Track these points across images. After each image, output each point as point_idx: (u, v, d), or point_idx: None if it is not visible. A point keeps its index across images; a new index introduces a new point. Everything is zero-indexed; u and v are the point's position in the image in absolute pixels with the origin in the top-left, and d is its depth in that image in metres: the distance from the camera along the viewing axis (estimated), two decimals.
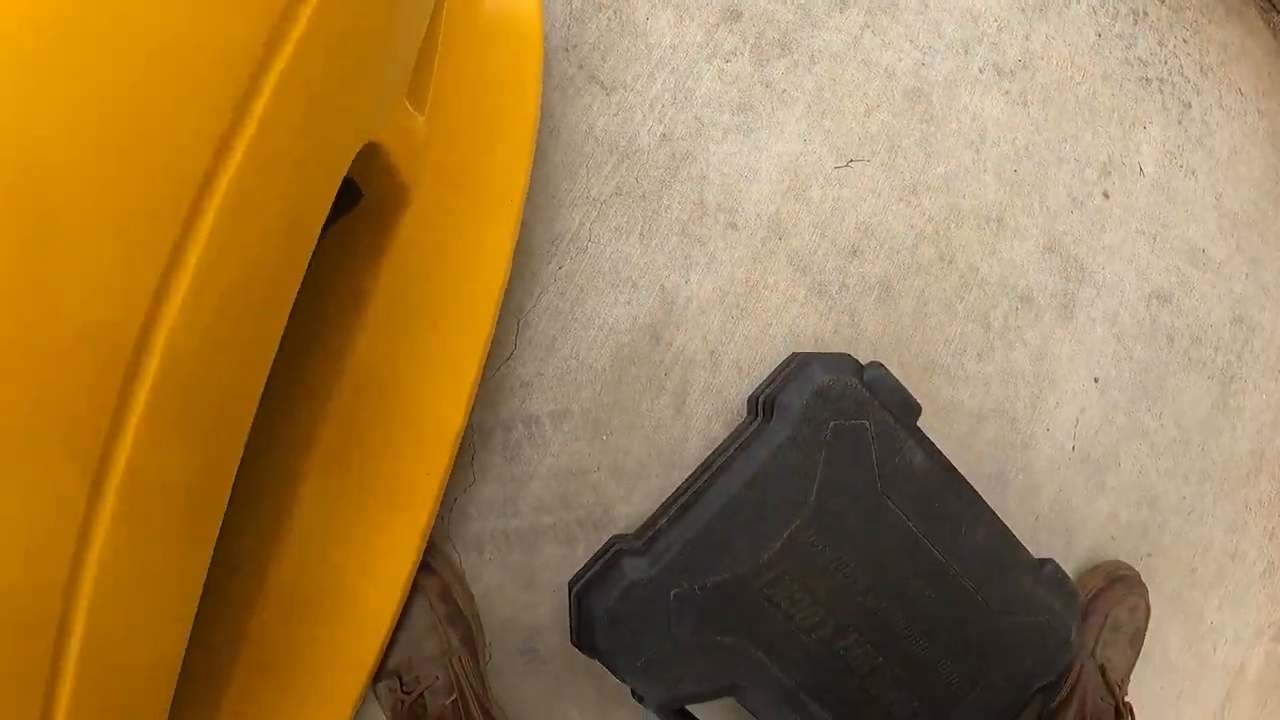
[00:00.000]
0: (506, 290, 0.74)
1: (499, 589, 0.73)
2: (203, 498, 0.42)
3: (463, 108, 0.69)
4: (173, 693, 0.44)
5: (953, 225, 0.86)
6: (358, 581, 0.64)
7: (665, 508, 0.70)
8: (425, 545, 0.65)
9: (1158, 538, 0.96)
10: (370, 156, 0.55)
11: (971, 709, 0.73)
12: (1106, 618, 0.85)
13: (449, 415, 0.65)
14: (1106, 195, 1.02)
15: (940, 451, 0.72)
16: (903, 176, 0.85)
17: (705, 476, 0.68)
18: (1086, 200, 0.99)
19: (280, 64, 0.36)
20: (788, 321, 0.78)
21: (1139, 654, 0.89)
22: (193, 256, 0.34)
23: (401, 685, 0.65)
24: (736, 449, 0.68)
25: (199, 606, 0.63)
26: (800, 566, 0.66)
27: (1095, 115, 1.04)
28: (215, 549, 0.64)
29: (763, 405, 0.70)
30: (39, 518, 0.32)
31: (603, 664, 0.63)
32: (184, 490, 0.39)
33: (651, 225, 0.76)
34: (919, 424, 0.72)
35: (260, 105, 0.35)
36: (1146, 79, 1.13)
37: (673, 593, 0.63)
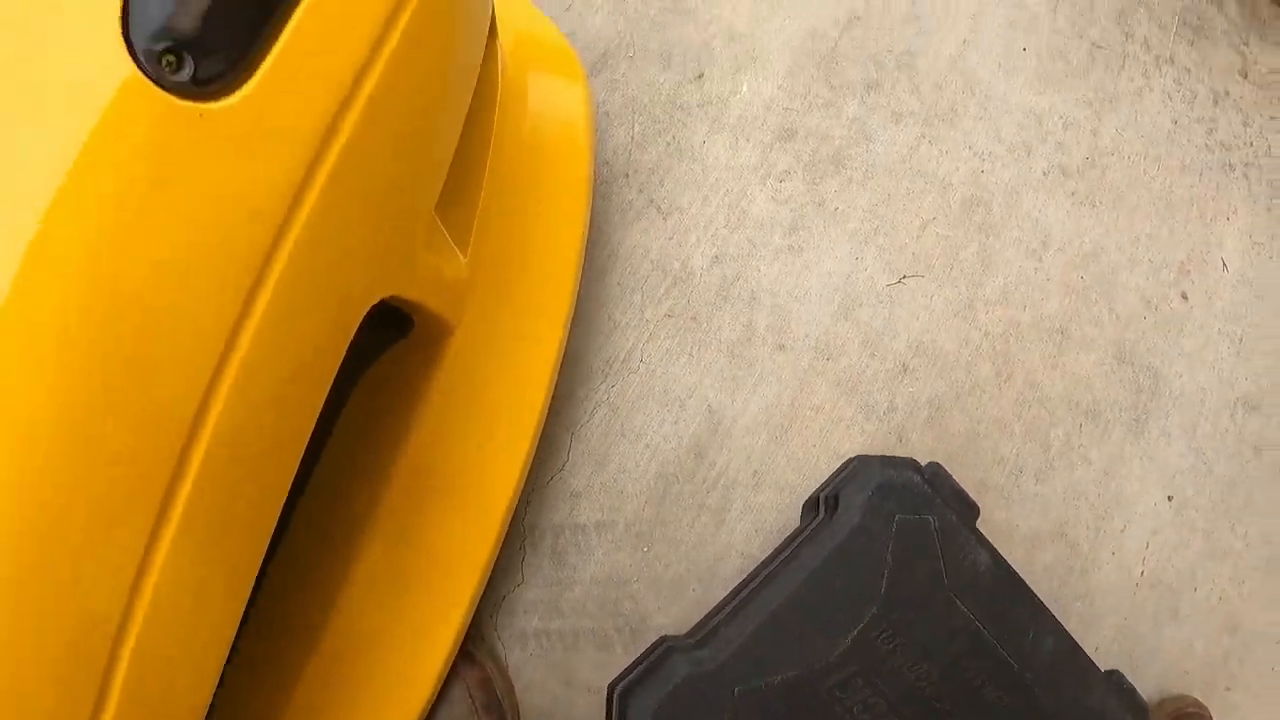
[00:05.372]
0: (562, 405, 0.79)
1: (540, 684, 0.77)
2: (241, 548, 0.49)
3: (509, 237, 0.75)
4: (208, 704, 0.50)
5: (1011, 340, 0.85)
6: (401, 657, 0.70)
7: (721, 606, 0.71)
8: (464, 632, 0.70)
9: (1239, 669, 0.90)
10: (414, 302, 0.61)
11: None
12: None
13: (490, 518, 0.70)
14: (1185, 296, 0.97)
15: (1001, 555, 0.71)
16: (958, 291, 0.84)
17: (766, 571, 0.68)
18: (1162, 304, 0.94)
19: (281, 262, 0.44)
20: (833, 443, 0.79)
21: None
22: (234, 367, 0.43)
23: None
24: (800, 543, 0.68)
25: (249, 658, 0.70)
26: (873, 667, 0.65)
27: (1172, 210, 0.99)
28: (274, 611, 0.70)
29: (825, 500, 0.70)
30: (107, 548, 0.39)
31: None
32: (228, 535, 0.47)
33: (701, 347, 0.79)
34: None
35: (276, 271, 0.44)
36: (1229, 164, 1.07)
37: (736, 688, 0.62)
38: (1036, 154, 0.93)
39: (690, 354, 0.79)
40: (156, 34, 0.43)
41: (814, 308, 0.81)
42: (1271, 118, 1.13)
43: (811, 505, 0.74)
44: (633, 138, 0.85)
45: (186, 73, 0.44)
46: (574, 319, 0.78)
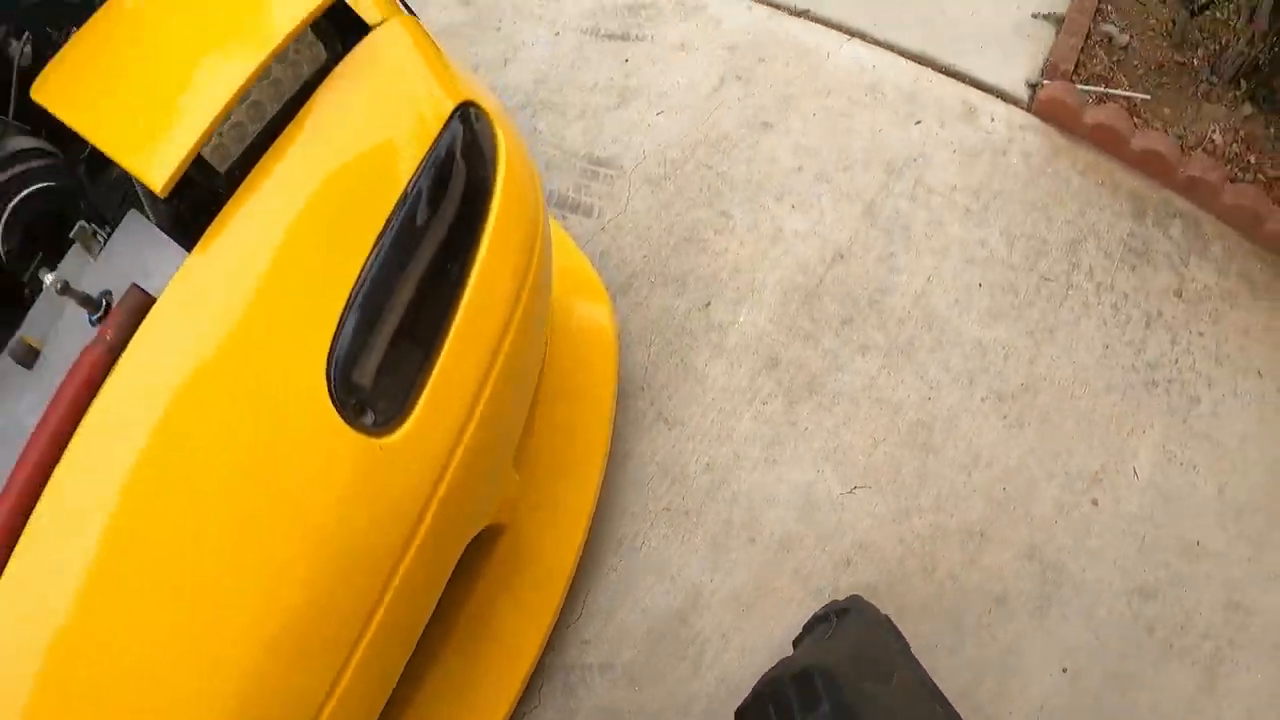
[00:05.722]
0: (580, 571, 1.04)
1: None
2: (396, 661, 0.76)
3: (549, 446, 1.00)
4: None
5: (938, 541, 1.07)
6: None
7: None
8: None
9: None
10: None
11: None
12: None
13: (524, 656, 0.95)
14: (1095, 502, 1.17)
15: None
16: (899, 500, 1.07)
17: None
18: (1073, 509, 1.15)
19: (424, 529, 0.71)
20: (787, 617, 1.02)
21: None
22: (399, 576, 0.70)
23: None
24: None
25: None
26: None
27: (1093, 427, 1.19)
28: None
29: (836, 612, 0.96)
30: (313, 673, 0.65)
31: None
32: (387, 663, 0.73)
33: (690, 536, 1.03)
34: None
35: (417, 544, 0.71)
36: (1153, 382, 1.26)
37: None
38: (978, 382, 1.15)
39: (682, 541, 1.03)
40: (350, 392, 0.69)
41: (780, 510, 1.05)
42: (1199, 333, 1.32)
43: (819, 619, 0.98)
44: (649, 357, 1.09)
45: (369, 419, 0.70)
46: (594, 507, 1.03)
